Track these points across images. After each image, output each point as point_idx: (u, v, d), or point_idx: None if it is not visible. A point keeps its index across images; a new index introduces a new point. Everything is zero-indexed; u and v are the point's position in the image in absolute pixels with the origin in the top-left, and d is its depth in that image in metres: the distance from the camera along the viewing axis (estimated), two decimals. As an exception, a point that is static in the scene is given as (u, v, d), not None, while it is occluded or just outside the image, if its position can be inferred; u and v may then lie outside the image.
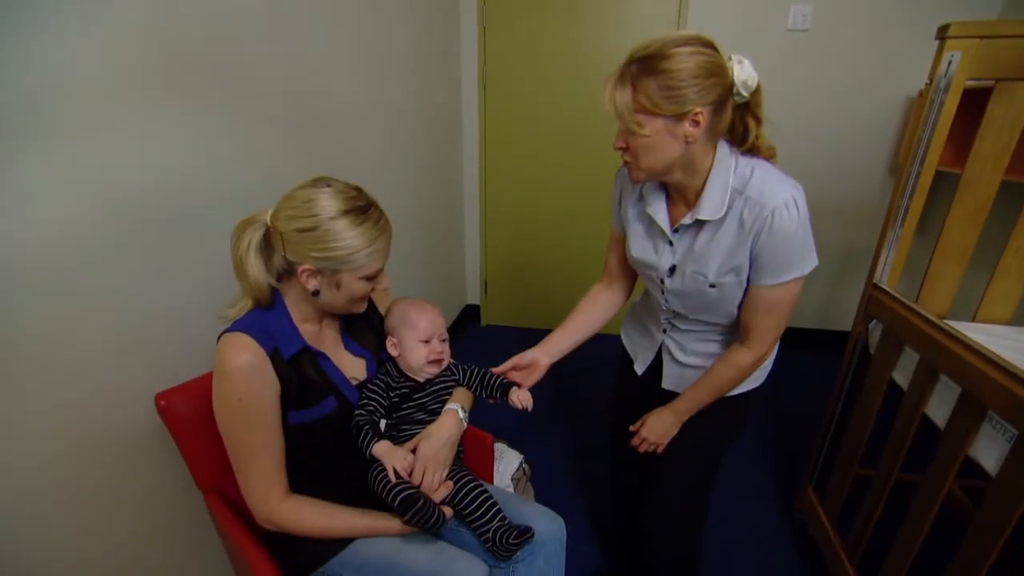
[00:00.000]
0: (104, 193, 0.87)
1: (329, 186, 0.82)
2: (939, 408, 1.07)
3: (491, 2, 2.50)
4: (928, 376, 1.07)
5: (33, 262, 0.78)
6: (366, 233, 0.81)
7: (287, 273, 0.87)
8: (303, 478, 0.90)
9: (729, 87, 0.80)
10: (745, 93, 0.81)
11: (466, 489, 0.95)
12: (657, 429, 1.06)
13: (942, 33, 1.13)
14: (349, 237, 0.80)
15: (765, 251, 0.85)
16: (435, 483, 0.92)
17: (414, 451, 0.92)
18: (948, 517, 1.34)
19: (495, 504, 0.95)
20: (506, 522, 0.93)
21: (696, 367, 1.05)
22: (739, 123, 0.87)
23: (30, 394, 0.79)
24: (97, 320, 0.88)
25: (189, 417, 0.95)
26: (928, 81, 1.17)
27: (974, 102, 1.19)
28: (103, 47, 0.85)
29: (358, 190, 0.85)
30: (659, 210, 0.95)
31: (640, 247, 1.01)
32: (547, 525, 0.98)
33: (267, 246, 0.85)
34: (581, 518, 1.67)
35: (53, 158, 0.79)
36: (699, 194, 0.88)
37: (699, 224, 0.90)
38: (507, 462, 1.56)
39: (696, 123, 0.79)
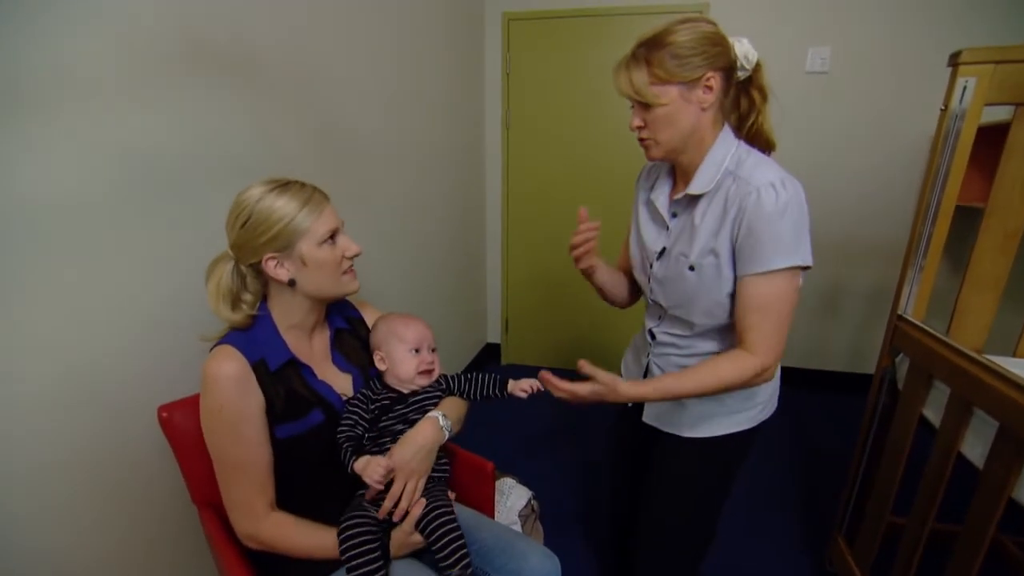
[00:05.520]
0: (117, 166, 0.91)
1: (252, 183, 0.86)
2: (976, 446, 0.98)
3: (515, 49, 2.63)
4: (961, 410, 1.00)
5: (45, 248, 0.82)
6: (294, 198, 0.84)
7: (266, 285, 0.90)
8: (290, 493, 0.89)
9: (734, 60, 0.85)
10: (748, 66, 0.85)
11: (436, 523, 0.88)
12: (602, 393, 0.87)
13: (954, 60, 1.12)
14: (279, 207, 0.82)
15: (749, 233, 0.83)
16: (408, 491, 0.88)
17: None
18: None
19: (462, 547, 0.87)
20: (468, 572, 0.86)
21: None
22: (744, 98, 0.91)
23: (29, 397, 0.81)
24: (103, 325, 0.91)
25: (190, 431, 0.95)
26: (943, 107, 1.15)
27: (1001, 136, 1.16)
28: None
29: (279, 177, 0.88)
30: (662, 196, 0.97)
31: (642, 233, 1.02)
32: (540, 564, 0.94)
33: (240, 275, 0.88)
34: (590, 557, 1.58)
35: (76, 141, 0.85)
36: (696, 171, 0.90)
37: (692, 203, 0.91)
38: (516, 498, 1.50)
39: (709, 88, 0.83)
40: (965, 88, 1.11)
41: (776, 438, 2.21)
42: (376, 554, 0.83)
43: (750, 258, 0.84)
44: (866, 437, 1.34)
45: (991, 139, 1.23)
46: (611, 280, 1.13)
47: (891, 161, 2.42)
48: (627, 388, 0.87)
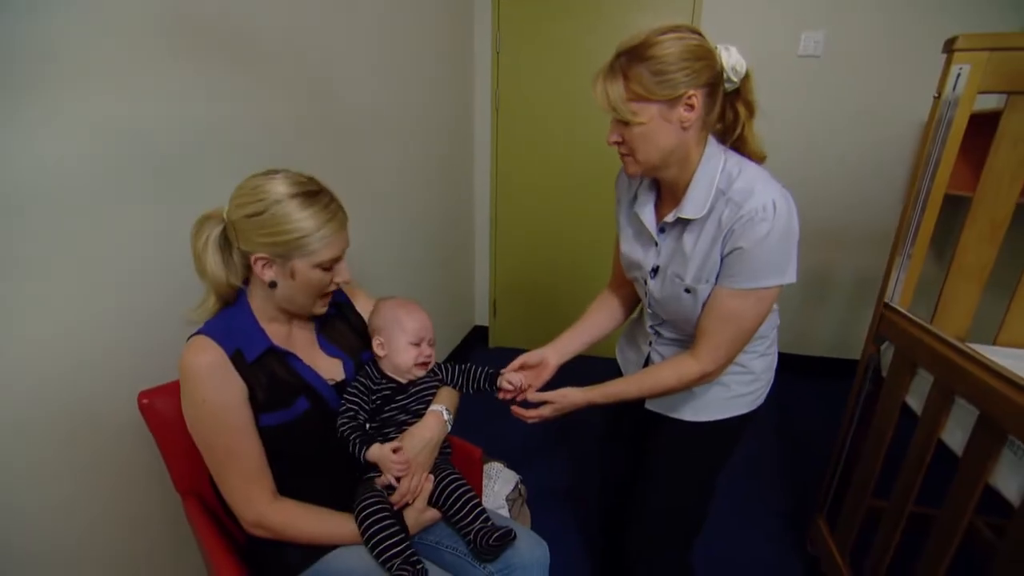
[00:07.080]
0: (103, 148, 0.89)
1: (279, 173, 0.81)
2: (955, 433, 1.00)
3: (504, 28, 2.56)
4: (943, 397, 1.01)
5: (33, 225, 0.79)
6: (316, 216, 0.79)
7: (248, 270, 0.86)
8: (283, 486, 0.88)
9: (719, 72, 0.80)
10: (735, 79, 0.81)
11: (449, 488, 0.93)
12: (561, 406, 0.96)
13: (949, 46, 1.10)
14: (297, 219, 0.78)
15: (735, 252, 0.81)
16: (414, 487, 0.90)
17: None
18: (974, 558, 1.24)
19: (478, 504, 0.93)
20: (488, 523, 0.91)
21: None
22: (729, 110, 0.86)
23: (4, 383, 0.79)
24: (80, 311, 0.88)
25: (171, 418, 0.93)
26: (936, 95, 1.14)
27: (992, 125, 1.16)
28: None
29: (310, 178, 0.83)
30: (647, 212, 0.93)
31: (629, 249, 0.99)
32: (529, 550, 0.94)
33: (226, 242, 0.85)
34: (576, 543, 1.60)
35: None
36: (685, 191, 0.86)
37: (683, 224, 0.88)
38: (503, 483, 1.50)
39: (691, 107, 0.78)
40: (959, 75, 1.10)
41: (761, 422, 2.24)
42: (397, 527, 0.85)
43: (729, 273, 0.83)
44: (849, 423, 1.36)
45: (979, 127, 1.22)
46: (592, 335, 1.12)
47: (881, 148, 2.42)
48: (577, 396, 0.96)
